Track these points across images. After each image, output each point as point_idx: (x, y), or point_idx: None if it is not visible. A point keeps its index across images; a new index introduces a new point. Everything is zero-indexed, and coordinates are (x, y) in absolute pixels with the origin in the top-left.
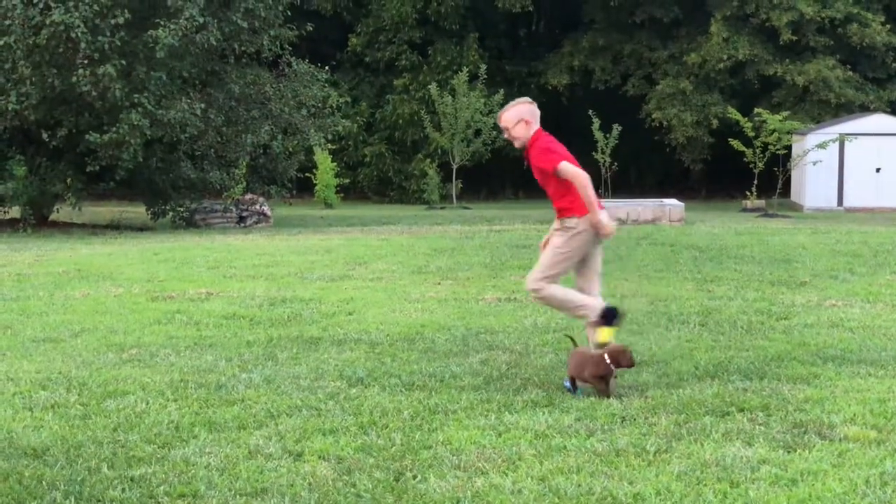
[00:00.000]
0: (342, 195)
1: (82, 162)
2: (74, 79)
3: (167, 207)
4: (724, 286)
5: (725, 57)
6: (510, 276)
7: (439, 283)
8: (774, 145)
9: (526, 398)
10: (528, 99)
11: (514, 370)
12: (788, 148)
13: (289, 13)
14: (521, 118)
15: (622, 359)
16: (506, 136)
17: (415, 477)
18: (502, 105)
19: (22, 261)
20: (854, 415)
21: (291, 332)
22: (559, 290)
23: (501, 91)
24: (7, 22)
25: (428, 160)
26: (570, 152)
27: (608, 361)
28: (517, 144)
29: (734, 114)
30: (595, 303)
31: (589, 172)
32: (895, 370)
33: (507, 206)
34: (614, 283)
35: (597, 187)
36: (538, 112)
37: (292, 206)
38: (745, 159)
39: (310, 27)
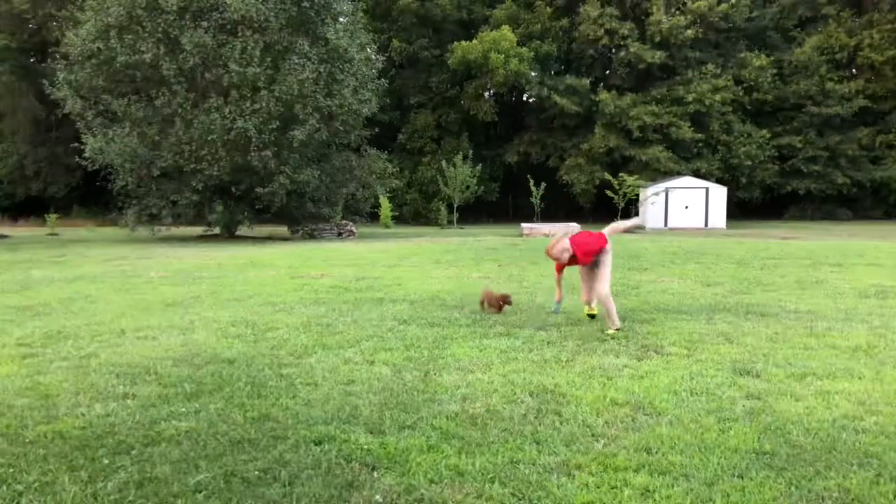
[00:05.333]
0: (394, 221)
1: (253, 203)
2: (249, 157)
3: (299, 227)
4: None
5: (603, 146)
6: (486, 265)
7: (448, 268)
8: (630, 193)
9: (495, 331)
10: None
11: (489, 316)
12: (637, 195)
13: (365, 122)
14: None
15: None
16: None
17: (436, 374)
18: (482, 174)
19: (221, 256)
20: (675, 341)
21: (368, 295)
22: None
23: (480, 166)
24: (213, 127)
25: (440, 202)
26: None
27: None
28: None
29: (608, 176)
30: None
31: (526, 211)
32: (697, 316)
33: (484, 227)
34: (540, 269)
35: (532, 218)
36: None
37: (367, 226)
38: (613, 201)
39: (376, 130)
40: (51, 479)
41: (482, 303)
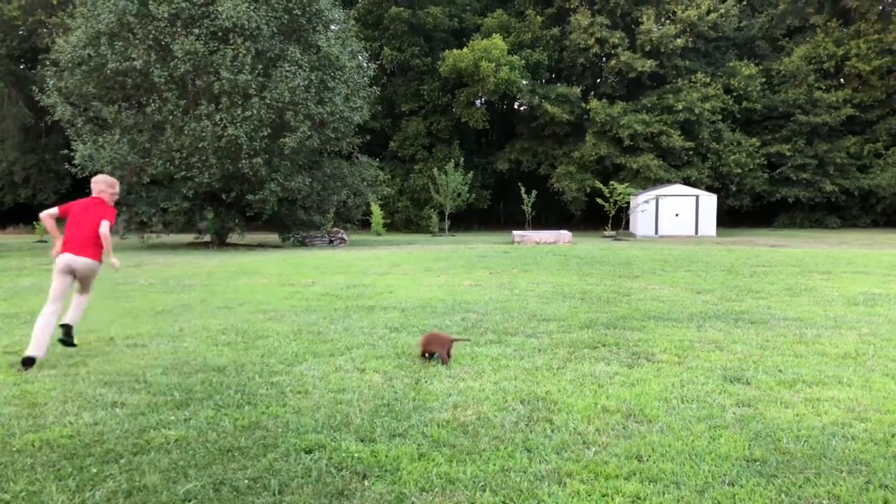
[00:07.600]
0: (386, 228)
1: (244, 210)
2: (240, 165)
3: (290, 235)
4: (594, 278)
5: (594, 154)
6: (477, 272)
7: (439, 276)
8: (620, 201)
9: (486, 338)
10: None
11: (479, 323)
12: (628, 203)
13: (356, 129)
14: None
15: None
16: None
17: (427, 381)
18: (473, 181)
19: (211, 264)
20: (665, 348)
21: (359, 302)
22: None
23: (471, 173)
24: (204, 134)
25: (432, 209)
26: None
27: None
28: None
29: (598, 184)
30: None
31: (517, 218)
32: (688, 324)
33: (475, 235)
34: (531, 277)
35: (523, 226)
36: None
37: (359, 233)
38: (604, 209)
39: (367, 137)
40: (38, 489)
41: (424, 353)
